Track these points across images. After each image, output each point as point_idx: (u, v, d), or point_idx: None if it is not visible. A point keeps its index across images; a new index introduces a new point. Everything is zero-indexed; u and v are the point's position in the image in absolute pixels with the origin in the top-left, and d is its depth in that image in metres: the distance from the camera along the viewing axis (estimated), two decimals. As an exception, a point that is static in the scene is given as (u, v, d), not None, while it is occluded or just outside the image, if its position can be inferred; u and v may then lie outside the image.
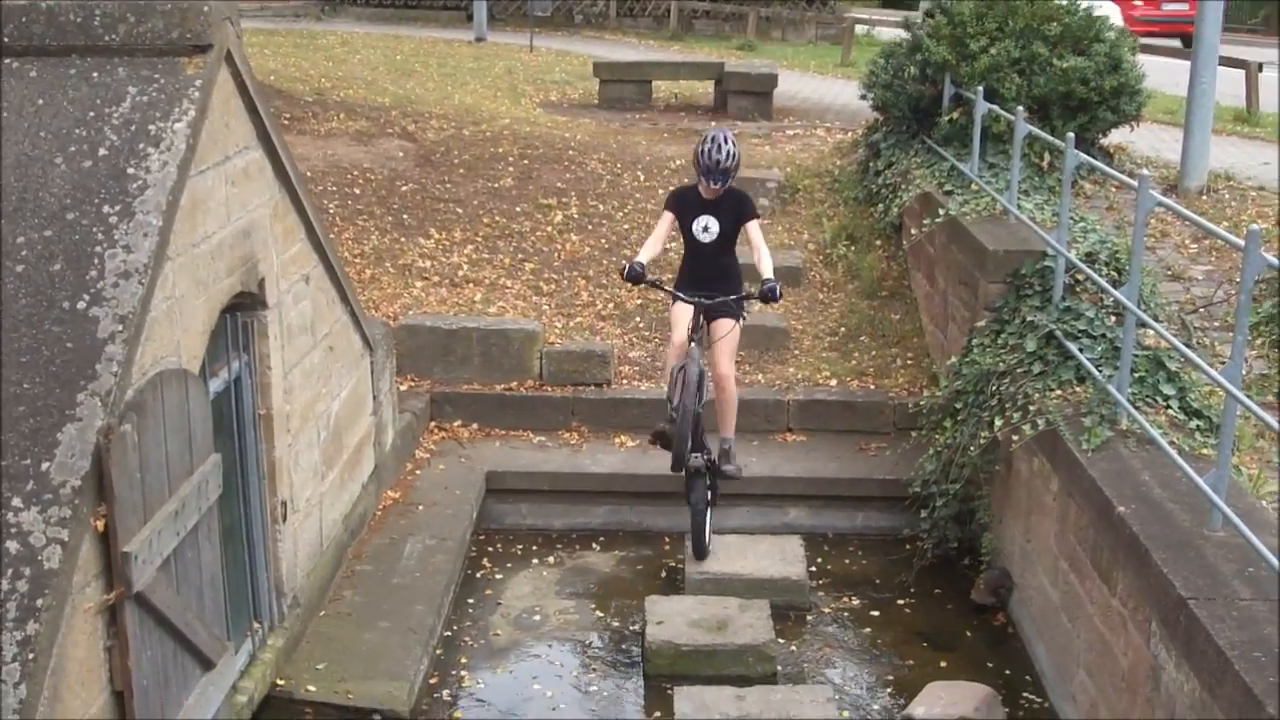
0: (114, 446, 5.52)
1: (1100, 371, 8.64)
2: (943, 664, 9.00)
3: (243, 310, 7.54)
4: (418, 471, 11.12)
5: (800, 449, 11.52)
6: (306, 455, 8.58)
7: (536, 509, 11.23)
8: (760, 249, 9.78)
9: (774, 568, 9.66)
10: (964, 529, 10.22)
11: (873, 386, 12.33)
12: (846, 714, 8.32)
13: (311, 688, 7.74)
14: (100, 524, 5.51)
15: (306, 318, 8.56)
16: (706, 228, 9.76)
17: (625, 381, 12.35)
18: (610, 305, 13.45)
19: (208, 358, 6.92)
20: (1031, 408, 9.07)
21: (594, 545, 10.86)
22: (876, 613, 9.80)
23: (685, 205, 9.88)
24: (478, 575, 10.22)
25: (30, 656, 5.07)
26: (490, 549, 10.69)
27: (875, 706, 8.58)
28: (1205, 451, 7.72)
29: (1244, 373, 7.12)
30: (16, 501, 5.35)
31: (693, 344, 9.62)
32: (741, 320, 9.99)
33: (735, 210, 9.84)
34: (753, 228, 9.87)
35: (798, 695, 8.17)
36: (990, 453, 9.72)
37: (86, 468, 5.44)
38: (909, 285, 13.72)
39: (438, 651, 8.87)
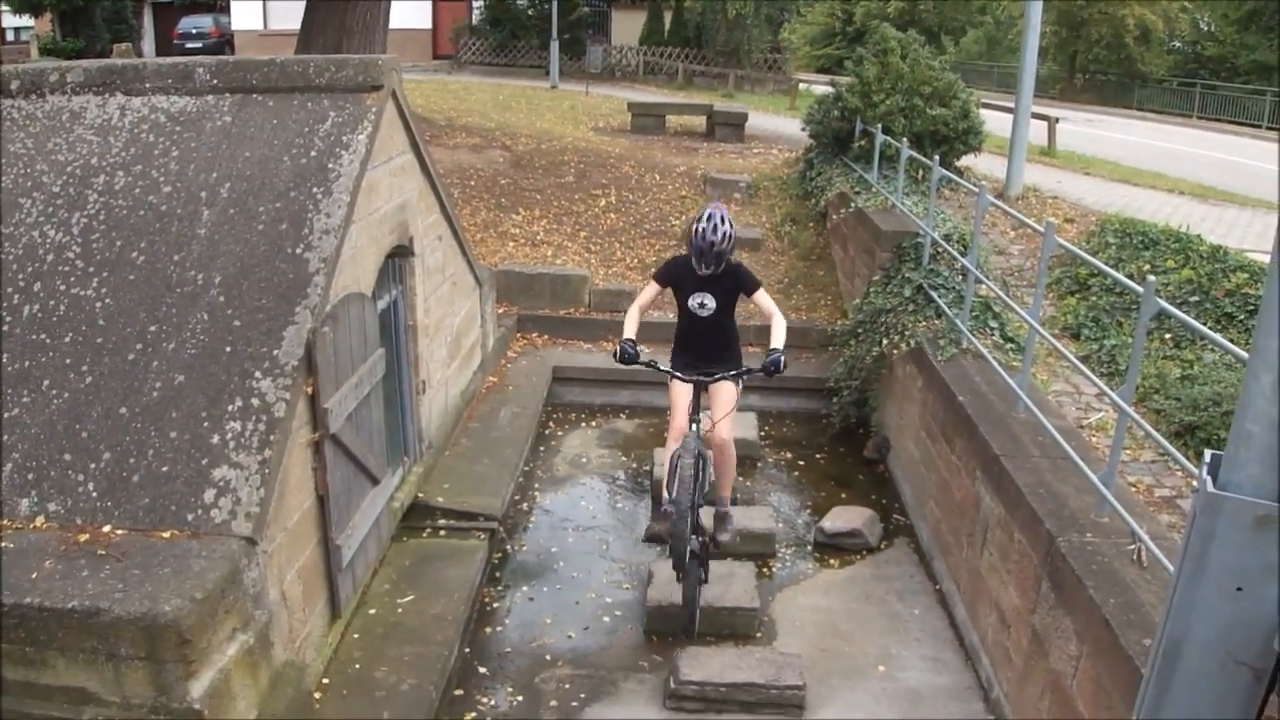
0: (318, 341, 5.62)
1: (950, 311, 8.70)
2: (843, 495, 9.08)
3: (399, 256, 7.58)
4: (508, 366, 11.16)
5: (756, 357, 11.41)
6: (438, 352, 8.63)
7: (585, 391, 11.24)
8: (774, 317, 6.33)
9: (738, 431, 9.65)
10: (860, 410, 10.28)
11: (805, 317, 12.31)
12: (781, 525, 8.46)
13: (440, 499, 7.84)
14: (309, 389, 5.62)
15: (439, 263, 8.59)
16: (703, 304, 6.45)
17: (644, 311, 12.37)
18: (635, 260, 13.44)
19: (377, 287, 6.97)
20: (906, 333, 9.16)
21: (621, 415, 10.91)
22: (802, 463, 9.89)
23: (679, 279, 6.51)
24: (546, 433, 10.31)
25: (266, 471, 5.20)
26: (555, 416, 10.76)
27: (799, 521, 8.70)
28: (1015, 364, 7.79)
29: (1040, 314, 7.20)
30: (258, 374, 5.47)
31: (693, 427, 6.40)
32: (741, 384, 6.66)
33: (733, 285, 6.43)
34: (761, 297, 6.40)
35: (750, 512, 8.24)
36: (879, 361, 9.77)
37: (301, 353, 5.54)
38: (830, 252, 13.69)
39: (519, 479, 8.97)
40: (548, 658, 6.69)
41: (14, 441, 5.39)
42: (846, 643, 6.95)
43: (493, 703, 6.29)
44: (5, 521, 5.17)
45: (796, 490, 9.36)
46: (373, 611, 6.56)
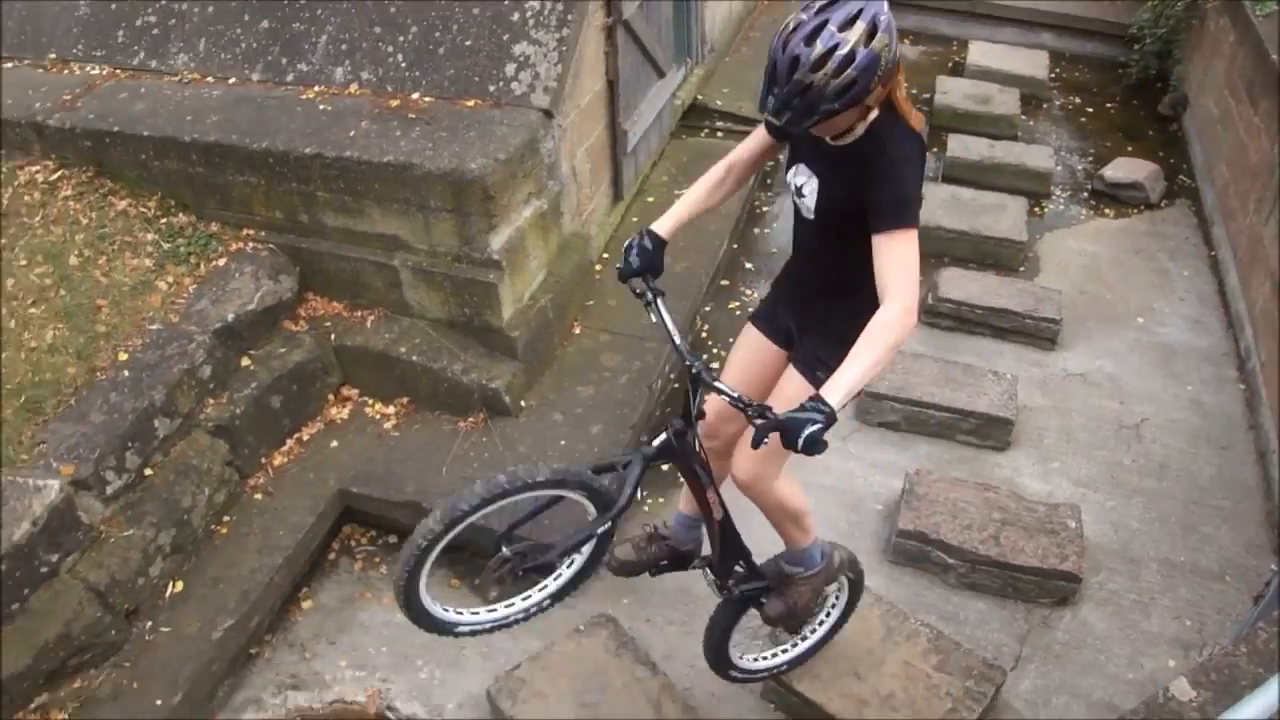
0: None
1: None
2: (1129, 148, 8.66)
3: None
4: (794, -21, 10.85)
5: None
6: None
7: None
8: (888, 297, 2.68)
9: (1026, 69, 9.29)
10: (1162, 62, 9.59)
11: (1117, -45, 11.39)
12: (1060, 167, 8.23)
13: (719, 102, 7.93)
14: (602, -29, 5.73)
15: None
16: (801, 190, 3.04)
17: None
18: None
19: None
20: (1224, -23, 8.40)
21: (905, 41, 10.48)
22: (1091, 109, 9.42)
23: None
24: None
25: (564, 49, 5.39)
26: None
27: (1079, 167, 8.42)
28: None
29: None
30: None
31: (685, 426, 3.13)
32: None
33: (858, 173, 2.79)
34: (887, 246, 2.70)
35: (1030, 150, 8.06)
36: (1190, 10, 9.03)
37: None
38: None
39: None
40: (810, 262, 6.96)
41: (327, 15, 5.73)
42: (1108, 290, 6.92)
43: (755, 295, 6.67)
44: (322, 87, 5.62)
45: (1081, 135, 8.98)
46: (651, 199, 6.91)
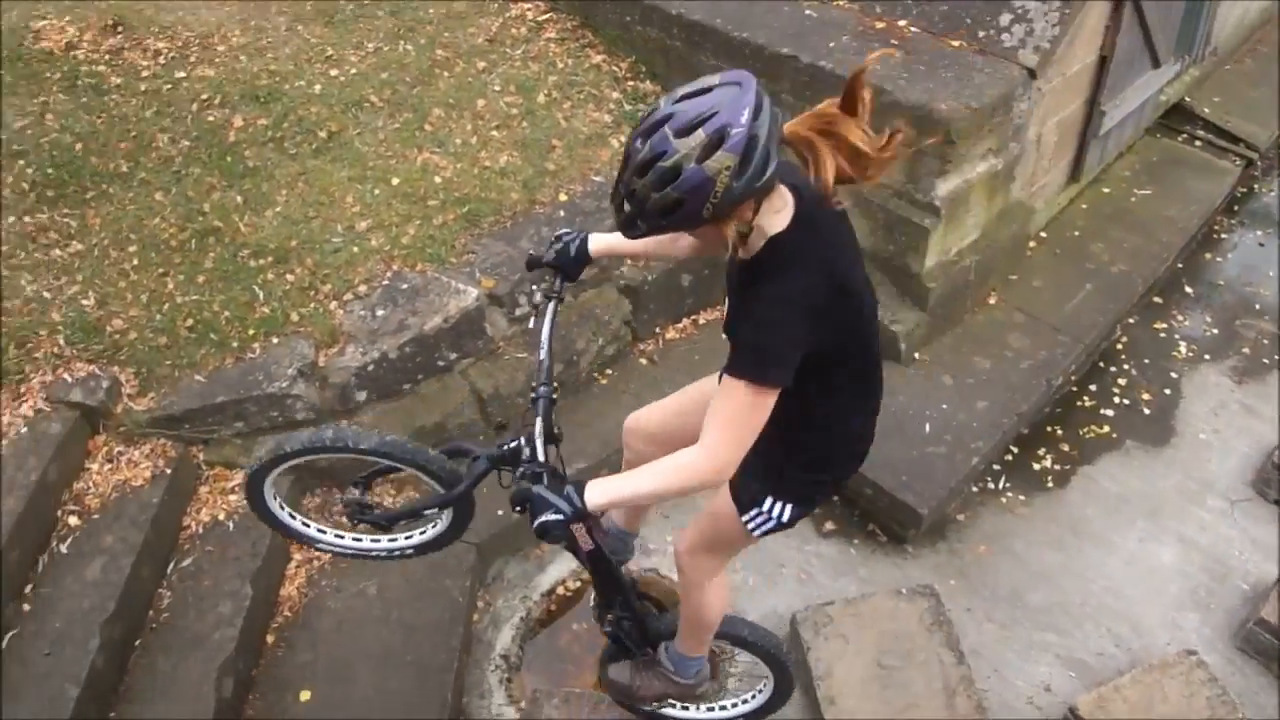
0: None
1: None
2: None
3: None
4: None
5: None
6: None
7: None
8: (700, 440, 2.31)
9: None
10: None
11: None
12: None
13: (1206, 110, 7.21)
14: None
15: None
16: (726, 303, 2.56)
17: None
18: None
19: None
20: None
21: None
22: None
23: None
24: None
25: (1067, 12, 5.12)
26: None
27: None
28: None
29: None
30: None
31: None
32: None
33: (755, 295, 2.28)
34: (723, 387, 2.27)
35: None
36: None
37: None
38: None
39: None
40: (1257, 307, 6.33)
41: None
42: None
43: (1186, 323, 6.17)
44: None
45: None
46: (1106, 190, 6.52)
